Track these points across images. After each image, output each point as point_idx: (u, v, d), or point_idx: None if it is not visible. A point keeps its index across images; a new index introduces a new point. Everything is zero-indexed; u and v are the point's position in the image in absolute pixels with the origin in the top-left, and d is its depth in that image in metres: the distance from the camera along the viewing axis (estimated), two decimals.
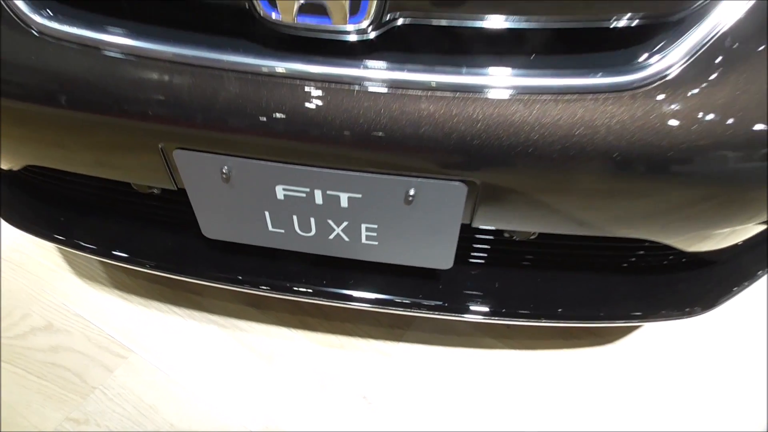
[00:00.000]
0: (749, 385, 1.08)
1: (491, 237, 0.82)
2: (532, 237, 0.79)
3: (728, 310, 1.16)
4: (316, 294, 0.86)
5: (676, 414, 1.04)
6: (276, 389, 1.05)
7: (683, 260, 0.87)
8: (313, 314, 1.15)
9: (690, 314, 0.85)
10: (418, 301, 0.84)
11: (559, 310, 0.83)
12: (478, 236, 0.83)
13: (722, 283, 0.86)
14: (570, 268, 0.87)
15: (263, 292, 0.88)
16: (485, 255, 0.86)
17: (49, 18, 0.65)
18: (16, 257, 1.25)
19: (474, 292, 0.85)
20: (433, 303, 0.84)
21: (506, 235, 0.80)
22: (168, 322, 1.14)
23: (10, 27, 0.65)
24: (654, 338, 1.14)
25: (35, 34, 0.65)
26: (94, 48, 0.64)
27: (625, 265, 0.86)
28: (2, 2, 0.66)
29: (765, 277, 0.88)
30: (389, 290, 0.85)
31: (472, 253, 0.87)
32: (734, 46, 0.59)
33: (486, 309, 0.84)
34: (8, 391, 1.05)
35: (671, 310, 0.84)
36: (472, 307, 0.84)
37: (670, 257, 0.85)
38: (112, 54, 0.64)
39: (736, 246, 0.85)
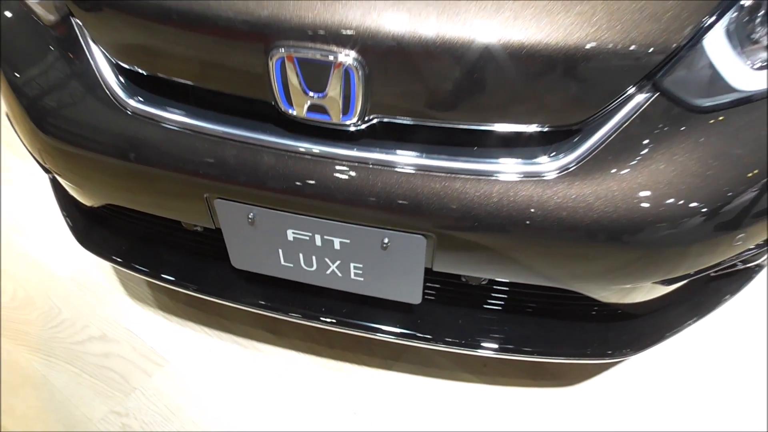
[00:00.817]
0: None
1: (452, 280, 1.04)
2: (483, 282, 1.00)
3: (727, 314, 1.32)
4: (315, 318, 1.09)
5: None
6: (281, 400, 1.26)
7: (617, 310, 1.07)
8: (320, 342, 1.36)
9: (612, 357, 1.04)
10: (395, 329, 1.06)
11: (504, 344, 1.02)
12: (443, 279, 1.05)
13: (645, 332, 1.05)
14: (518, 311, 1.07)
15: (271, 313, 1.11)
16: (450, 295, 1.08)
17: (139, 102, 0.92)
18: (81, 278, 1.51)
19: (439, 325, 1.06)
20: (406, 331, 1.05)
21: (463, 279, 1.01)
22: (199, 340, 1.37)
23: (110, 107, 0.93)
24: (620, 380, 1.31)
25: (128, 113, 0.92)
26: (167, 124, 0.91)
27: (562, 310, 1.06)
28: (106, 90, 0.93)
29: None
30: (374, 319, 1.07)
31: (440, 293, 1.08)
32: (618, 148, 0.81)
33: (448, 339, 1.04)
34: (66, 386, 1.29)
35: (598, 351, 1.03)
36: (436, 337, 1.05)
37: (598, 307, 1.04)
38: (178, 129, 0.90)
39: (664, 299, 1.04)
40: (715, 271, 1.00)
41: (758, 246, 0.94)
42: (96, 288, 1.49)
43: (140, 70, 0.92)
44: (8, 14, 1.05)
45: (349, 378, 1.30)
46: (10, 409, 1.25)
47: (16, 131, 1.12)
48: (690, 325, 1.08)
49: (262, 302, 1.13)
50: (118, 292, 1.48)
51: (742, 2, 0.80)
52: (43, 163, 1.09)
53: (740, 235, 0.88)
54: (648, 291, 0.96)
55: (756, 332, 1.36)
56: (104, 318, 1.42)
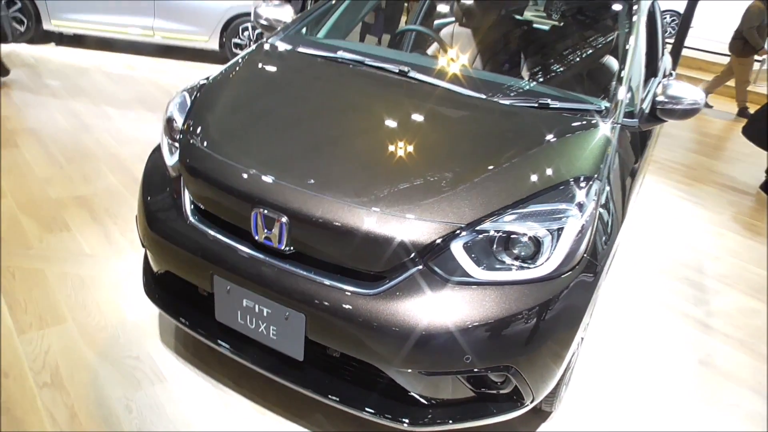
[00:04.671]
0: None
1: (324, 349, 1.81)
2: (336, 354, 1.77)
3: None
4: (245, 359, 1.88)
5: None
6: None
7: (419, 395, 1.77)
8: (277, 403, 2.12)
9: (408, 424, 1.73)
10: (286, 372, 1.82)
11: (340, 399, 1.75)
12: (320, 348, 1.81)
13: (435, 415, 1.73)
14: (356, 379, 1.80)
15: (229, 354, 1.92)
16: (326, 360, 1.83)
17: (195, 220, 1.87)
18: (138, 317, 2.40)
19: (316, 378, 1.81)
20: (291, 376, 1.81)
21: (327, 351, 1.79)
22: (193, 374, 2.18)
23: (182, 220, 1.88)
24: None
25: (188, 224, 1.87)
26: (203, 232, 1.84)
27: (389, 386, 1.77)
28: (184, 211, 1.90)
29: None
30: (277, 367, 1.84)
31: (315, 357, 1.84)
32: (402, 289, 1.62)
33: (312, 387, 1.78)
34: (103, 366, 2.12)
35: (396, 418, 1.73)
36: (312, 386, 1.80)
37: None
38: (207, 235, 1.83)
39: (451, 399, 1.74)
40: (476, 387, 1.72)
41: (488, 369, 1.65)
42: (144, 324, 2.37)
43: (200, 205, 1.89)
44: (152, 165, 2.10)
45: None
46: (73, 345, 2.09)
47: (137, 224, 2.11)
48: (458, 422, 1.75)
49: (225, 344, 1.94)
50: (158, 331, 2.34)
51: (478, 228, 1.64)
52: (143, 241, 2.06)
53: (466, 356, 1.61)
54: (438, 388, 1.68)
55: None
56: (141, 342, 2.28)
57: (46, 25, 6.17)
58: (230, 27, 6.61)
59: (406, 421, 1.74)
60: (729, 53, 8.17)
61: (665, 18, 13.73)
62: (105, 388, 2.07)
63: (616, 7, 2.72)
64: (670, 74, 4.14)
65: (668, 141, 6.43)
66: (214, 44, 6.67)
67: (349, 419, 2.03)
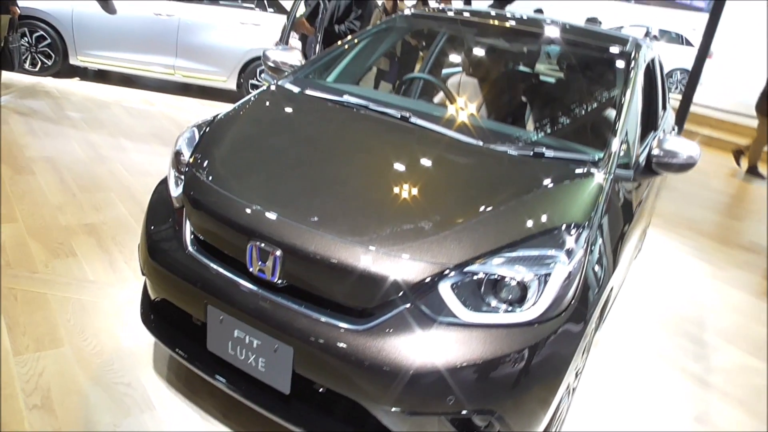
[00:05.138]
0: None
1: (311, 383, 1.82)
2: (322, 390, 1.78)
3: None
4: (236, 392, 1.89)
5: None
6: None
7: None
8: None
9: None
10: (272, 405, 1.83)
11: None
12: (307, 382, 1.83)
13: None
14: (352, 417, 1.81)
15: (220, 385, 1.93)
16: (312, 394, 1.85)
17: (193, 250, 1.93)
18: (133, 343, 2.43)
19: (301, 413, 1.82)
20: (277, 409, 1.82)
21: (315, 384, 1.80)
22: (180, 404, 2.19)
23: (182, 249, 1.94)
24: None
25: (186, 253, 1.93)
26: (201, 262, 1.89)
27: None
28: (184, 241, 1.95)
29: None
30: (264, 400, 1.86)
31: (306, 391, 1.85)
32: (391, 326, 1.65)
33: (306, 425, 1.79)
34: (95, 392, 2.14)
35: None
36: (297, 421, 1.81)
37: None
38: (205, 266, 1.88)
39: None
40: (459, 430, 1.72)
41: (471, 412, 1.66)
42: (139, 352, 2.40)
43: (200, 236, 1.94)
44: (157, 196, 2.17)
45: None
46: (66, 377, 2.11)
47: (138, 253, 2.17)
48: None
49: (215, 374, 1.96)
50: (152, 360, 2.37)
51: (466, 270, 1.67)
52: (142, 269, 2.11)
53: (450, 397, 1.62)
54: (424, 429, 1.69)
55: None
56: (134, 369, 2.30)
57: (73, 60, 6.41)
58: (248, 69, 6.82)
59: None
60: (756, 113, 8.07)
61: (676, 75, 13.96)
62: (94, 412, 2.09)
63: (615, 61, 2.80)
64: (673, 129, 4.21)
65: (676, 196, 6.45)
66: (232, 84, 6.87)
67: None
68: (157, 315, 2.17)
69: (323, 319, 1.70)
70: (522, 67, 3.43)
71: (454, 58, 3.75)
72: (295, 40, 5.89)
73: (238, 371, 1.90)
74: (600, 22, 10.07)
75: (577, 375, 2.28)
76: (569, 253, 1.77)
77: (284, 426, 1.84)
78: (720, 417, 2.68)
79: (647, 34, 14.98)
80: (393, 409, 1.66)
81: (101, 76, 6.87)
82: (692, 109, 9.72)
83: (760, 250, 5.17)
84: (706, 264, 4.61)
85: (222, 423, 2.14)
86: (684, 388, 2.86)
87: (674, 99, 7.81)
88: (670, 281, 4.15)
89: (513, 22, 3.06)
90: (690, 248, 4.90)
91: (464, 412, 1.67)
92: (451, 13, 3.30)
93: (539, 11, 14.38)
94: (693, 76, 7.65)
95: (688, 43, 14.48)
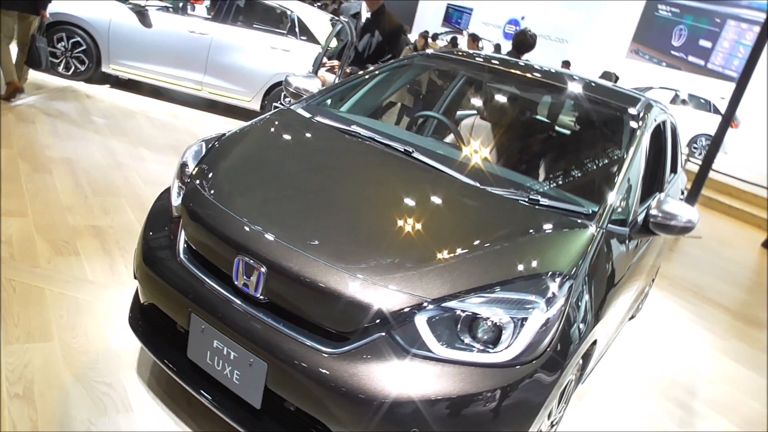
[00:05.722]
0: None
1: (282, 401, 1.84)
2: (292, 408, 1.80)
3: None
4: (208, 401, 1.92)
5: None
6: None
7: None
8: None
9: None
10: (241, 417, 1.85)
11: None
12: (278, 399, 1.85)
13: None
14: None
15: (192, 391, 1.96)
16: (282, 412, 1.86)
17: (185, 258, 1.98)
18: (120, 345, 2.47)
19: (269, 429, 1.83)
20: (245, 422, 1.84)
21: (286, 402, 1.82)
22: (158, 409, 2.22)
23: (174, 258, 2.00)
24: None
25: (177, 261, 1.98)
26: (190, 271, 1.94)
27: None
28: (177, 250, 2.01)
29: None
30: (234, 412, 1.88)
31: (276, 408, 1.87)
32: (365, 353, 1.67)
33: None
34: (75, 386, 2.17)
35: None
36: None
37: None
38: (193, 275, 1.93)
39: None
40: None
41: None
42: (125, 354, 2.44)
43: (192, 246, 2.00)
44: (159, 204, 2.24)
45: None
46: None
47: (134, 258, 2.23)
48: None
49: (189, 381, 1.99)
50: (136, 364, 2.41)
51: (444, 305, 1.70)
52: (135, 273, 2.16)
53: (414, 429, 1.63)
54: None
55: None
56: (117, 371, 2.33)
57: (105, 68, 6.62)
58: (273, 92, 6.98)
59: None
60: None
61: (701, 141, 13.95)
62: (72, 408, 2.12)
63: (624, 118, 2.84)
64: (682, 193, 4.22)
65: (687, 261, 6.42)
66: (255, 105, 7.03)
67: None
68: (145, 320, 2.22)
69: (299, 338, 1.73)
70: (532, 116, 3.49)
71: (467, 100, 3.84)
72: (325, 71, 6.05)
73: (214, 381, 1.93)
74: (617, 77, 10.18)
75: (552, 425, 2.27)
76: (549, 301, 1.80)
77: None
78: None
79: (675, 97, 15.05)
80: None
81: (131, 86, 7.07)
82: (715, 176, 9.73)
83: (764, 325, 5.10)
84: (707, 332, 4.56)
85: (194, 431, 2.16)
86: None
87: (696, 164, 7.83)
88: (666, 345, 4.11)
89: (527, 71, 3.13)
90: (693, 314, 4.85)
91: None
92: (469, 57, 3.38)
93: (567, 63, 14.58)
94: (714, 143, 7.66)
95: (716, 111, 14.51)
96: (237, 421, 1.87)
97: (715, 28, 17.26)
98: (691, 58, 17.79)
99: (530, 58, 5.05)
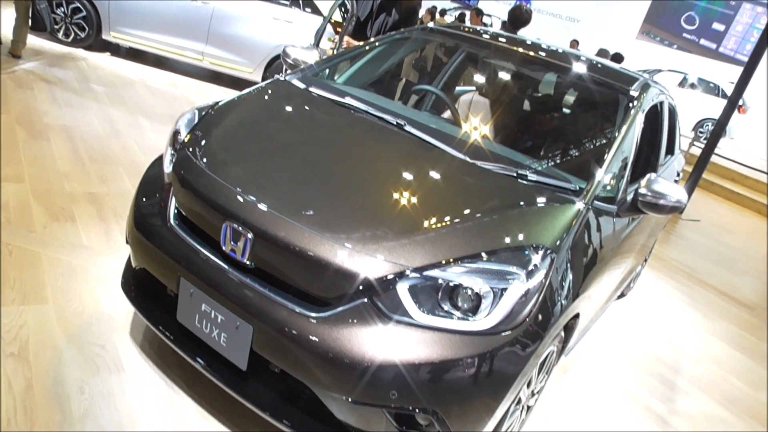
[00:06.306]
0: None
1: (267, 363, 1.89)
2: (276, 370, 1.86)
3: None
4: (195, 361, 1.97)
5: None
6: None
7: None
8: (223, 412, 2.20)
9: None
10: (228, 378, 1.91)
11: (270, 411, 1.83)
12: (263, 362, 1.90)
13: None
14: (289, 396, 1.87)
15: (181, 352, 2.01)
16: (267, 374, 1.92)
17: (175, 224, 2.02)
18: (112, 309, 2.52)
19: (255, 390, 1.89)
20: (232, 383, 1.90)
21: (270, 364, 1.87)
22: (151, 372, 2.27)
23: (164, 223, 2.03)
24: None
25: (168, 227, 2.02)
26: (179, 236, 1.98)
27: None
28: (167, 215, 2.05)
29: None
30: (223, 373, 1.93)
31: (261, 370, 1.92)
32: (345, 317, 1.72)
33: (257, 402, 1.86)
34: (68, 348, 2.23)
35: None
36: (249, 397, 1.88)
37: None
38: (182, 240, 1.97)
39: None
40: (399, 425, 1.78)
41: (413, 409, 1.72)
42: (118, 318, 2.49)
43: (182, 212, 2.04)
44: (152, 172, 2.27)
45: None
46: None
47: (126, 223, 2.27)
48: None
49: (179, 342, 2.04)
50: (129, 328, 2.46)
51: (425, 274, 1.74)
52: (127, 239, 2.20)
53: (393, 391, 1.69)
54: (369, 421, 1.76)
55: None
56: (110, 333, 2.39)
57: (105, 36, 6.60)
58: (275, 63, 6.96)
59: None
60: None
61: (707, 125, 13.87)
62: (65, 367, 2.18)
63: (619, 98, 2.84)
64: (678, 175, 4.24)
65: (683, 243, 6.45)
66: (257, 77, 7.01)
67: None
68: (137, 284, 2.26)
69: (284, 303, 1.78)
70: (529, 93, 3.50)
71: (464, 75, 3.83)
72: (327, 43, 6.02)
73: (202, 344, 1.98)
74: (622, 57, 10.13)
75: (534, 393, 2.33)
76: (530, 273, 1.83)
77: (244, 404, 1.91)
78: None
79: (684, 80, 14.94)
80: (339, 396, 1.73)
81: (131, 54, 7.05)
82: (718, 161, 9.71)
83: (754, 306, 5.15)
84: (695, 312, 4.62)
85: (185, 393, 2.22)
86: (642, 424, 2.88)
87: (701, 148, 7.82)
88: (655, 324, 4.17)
89: (525, 48, 3.13)
90: (683, 295, 4.90)
91: (405, 408, 1.73)
92: (468, 32, 3.37)
93: (575, 42, 14.46)
94: (718, 127, 7.64)
95: (725, 96, 14.41)
96: (224, 382, 1.92)
97: (730, 11, 17.02)
98: (703, 42, 17.57)
99: (529, 34, 5.01)
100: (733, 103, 7.59)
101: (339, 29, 5.74)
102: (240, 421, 2.15)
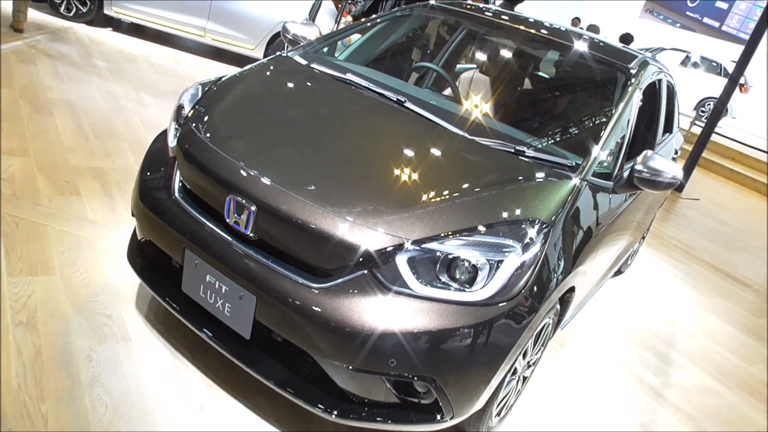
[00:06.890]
0: None
1: (270, 332, 1.95)
2: (279, 339, 1.92)
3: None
4: (200, 330, 2.04)
5: None
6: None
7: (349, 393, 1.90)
8: (226, 380, 2.27)
9: (328, 413, 1.85)
10: (231, 347, 1.97)
11: (276, 381, 1.89)
12: (266, 331, 1.96)
13: (355, 411, 1.86)
14: (293, 365, 1.94)
15: (185, 321, 2.08)
16: (270, 343, 1.98)
17: (179, 197, 2.07)
18: (118, 279, 2.59)
19: (258, 358, 1.95)
20: (235, 351, 1.96)
21: (274, 333, 1.93)
22: (157, 340, 2.34)
23: (169, 195, 2.08)
24: None
25: (173, 199, 2.06)
26: (183, 207, 2.03)
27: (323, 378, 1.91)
28: (172, 188, 2.09)
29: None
30: (227, 342, 2.00)
31: (265, 339, 1.99)
32: (347, 288, 1.77)
33: (260, 370, 1.93)
34: (76, 316, 2.30)
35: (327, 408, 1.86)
36: (252, 365, 1.94)
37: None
38: (187, 211, 2.02)
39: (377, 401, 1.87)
40: (398, 392, 1.84)
41: (411, 377, 1.78)
42: (124, 289, 2.55)
43: (187, 185, 2.08)
44: (156, 146, 2.31)
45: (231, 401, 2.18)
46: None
47: (132, 196, 2.31)
48: (380, 423, 1.88)
49: (184, 312, 2.10)
50: (135, 298, 2.52)
51: (424, 246, 1.79)
52: (132, 211, 2.25)
53: (392, 359, 1.75)
54: (368, 390, 1.82)
55: None
56: (116, 304, 2.45)
57: (107, 11, 6.57)
58: (277, 40, 6.94)
59: (335, 412, 1.87)
60: None
61: (709, 104, 13.82)
62: (73, 336, 2.25)
63: (617, 75, 2.86)
64: (676, 153, 4.27)
65: (681, 222, 6.49)
66: (259, 53, 7.00)
67: (287, 407, 2.17)
68: (142, 256, 2.32)
69: (286, 273, 1.83)
70: (528, 70, 3.51)
71: (465, 52, 3.84)
72: (324, 17, 5.99)
73: (206, 314, 2.04)
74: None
75: (530, 365, 2.39)
76: (526, 246, 1.88)
77: (244, 370, 1.98)
78: (665, 427, 2.78)
79: (686, 59, 14.84)
80: (340, 364, 1.79)
81: (134, 30, 7.03)
82: (719, 140, 9.70)
83: (750, 284, 5.21)
84: (691, 289, 4.68)
85: (190, 362, 2.28)
86: (637, 396, 2.96)
87: (701, 127, 7.82)
88: (650, 299, 4.23)
89: (526, 26, 3.14)
90: (680, 272, 4.96)
91: (403, 375, 1.79)
92: (469, 9, 3.38)
93: (577, 20, 14.34)
94: (718, 105, 7.63)
95: (727, 75, 14.33)
96: (228, 351, 1.99)
97: None
98: (706, 20, 17.41)
99: (531, 12, 5.01)
100: (734, 81, 7.58)
101: (339, 4, 5.73)
102: (243, 389, 2.22)
